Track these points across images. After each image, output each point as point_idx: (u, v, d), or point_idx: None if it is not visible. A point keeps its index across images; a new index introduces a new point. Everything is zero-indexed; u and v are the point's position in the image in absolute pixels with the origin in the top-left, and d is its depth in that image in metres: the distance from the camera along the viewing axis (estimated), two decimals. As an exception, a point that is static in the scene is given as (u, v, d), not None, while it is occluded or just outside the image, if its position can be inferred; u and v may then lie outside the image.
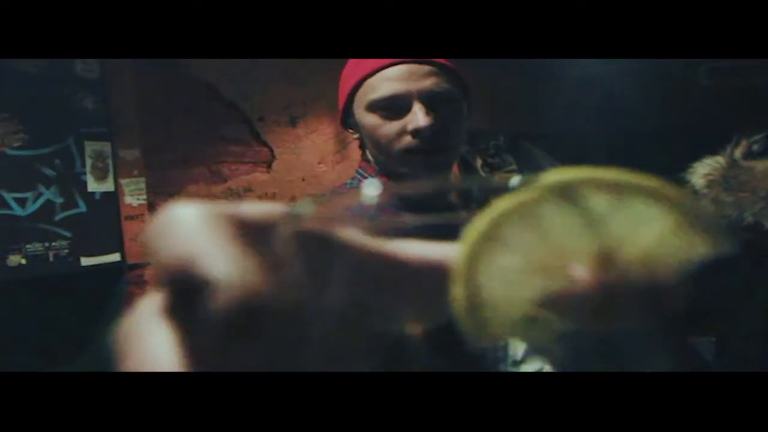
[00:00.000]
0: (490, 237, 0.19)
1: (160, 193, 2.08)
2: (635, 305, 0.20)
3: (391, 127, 0.89)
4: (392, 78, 0.89)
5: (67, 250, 1.87)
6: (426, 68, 0.89)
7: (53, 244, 1.85)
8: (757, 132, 1.36)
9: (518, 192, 0.20)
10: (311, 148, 2.53)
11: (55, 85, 1.89)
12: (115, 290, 1.96)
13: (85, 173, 1.94)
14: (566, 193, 0.19)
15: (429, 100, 0.88)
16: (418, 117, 0.87)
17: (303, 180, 2.49)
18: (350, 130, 0.99)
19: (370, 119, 0.91)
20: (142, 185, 2.04)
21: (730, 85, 3.39)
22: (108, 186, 1.98)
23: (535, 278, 0.20)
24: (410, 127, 0.88)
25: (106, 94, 1.99)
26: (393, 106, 0.89)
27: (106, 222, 1.95)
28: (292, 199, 2.44)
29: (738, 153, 1.35)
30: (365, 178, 0.95)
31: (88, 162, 1.95)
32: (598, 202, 0.19)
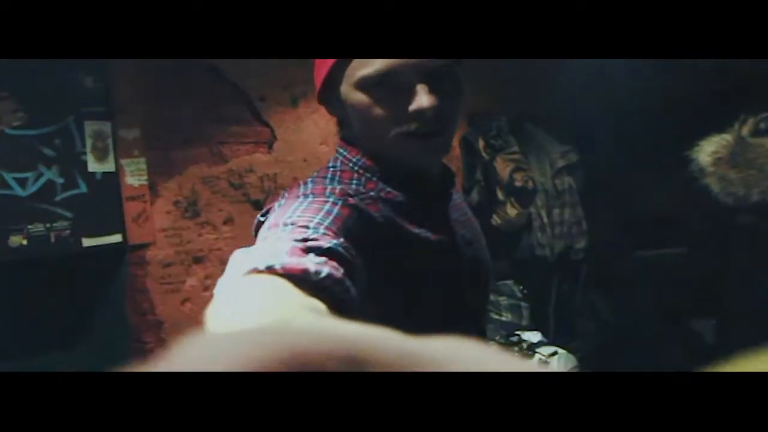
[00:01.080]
0: None
1: (161, 173, 2.08)
2: None
3: (387, 107, 0.78)
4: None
5: (68, 231, 1.87)
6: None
7: (54, 224, 1.85)
8: (763, 110, 1.34)
9: None
10: (313, 129, 2.52)
11: (52, 64, 1.88)
12: (116, 271, 1.97)
13: (85, 153, 1.94)
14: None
15: (431, 78, 0.77)
16: (422, 97, 0.76)
17: (304, 161, 2.48)
18: (328, 106, 0.88)
19: (360, 97, 0.78)
20: (143, 165, 2.04)
21: (727, 65, 3.35)
22: (109, 166, 1.98)
23: None
24: (412, 108, 0.76)
25: (106, 73, 1.98)
26: (390, 84, 0.77)
27: (107, 203, 1.95)
28: (294, 179, 2.44)
29: (745, 131, 1.34)
30: (349, 161, 0.85)
31: (89, 142, 1.95)
32: None
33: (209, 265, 2.17)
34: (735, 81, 3.36)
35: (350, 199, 0.75)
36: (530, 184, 2.80)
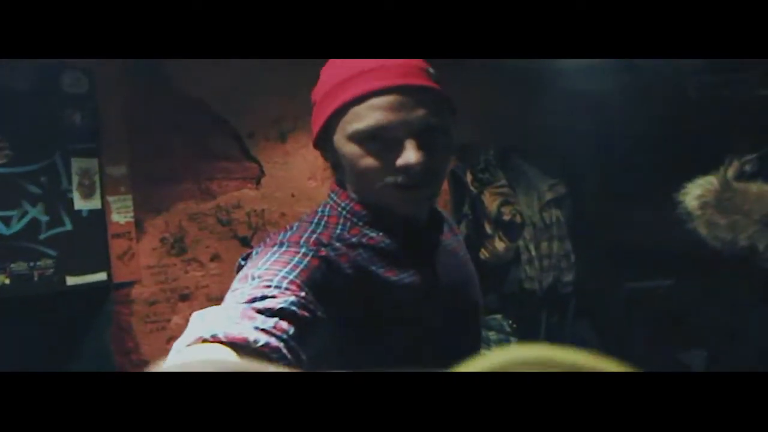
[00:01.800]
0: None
1: (148, 210, 2.07)
2: None
3: (377, 160, 0.81)
4: (380, 107, 0.79)
5: (52, 270, 1.84)
6: (417, 97, 0.81)
7: (38, 263, 1.83)
8: (747, 151, 1.36)
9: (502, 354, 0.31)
10: (301, 164, 2.53)
11: (43, 100, 1.88)
12: (101, 310, 1.94)
13: (71, 191, 1.92)
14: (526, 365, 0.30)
15: (420, 134, 0.80)
16: (409, 153, 0.79)
17: (293, 196, 2.48)
18: (323, 152, 0.91)
19: (351, 149, 0.82)
20: (130, 203, 2.03)
21: (718, 97, 3.43)
22: (95, 203, 1.97)
23: None
24: (400, 162, 0.80)
25: (95, 110, 1.99)
26: (380, 139, 0.80)
27: (92, 240, 1.93)
28: (282, 215, 2.43)
29: (731, 173, 1.35)
30: (338, 205, 0.88)
31: (75, 179, 1.94)
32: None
33: (195, 302, 2.14)
34: (723, 114, 3.44)
35: (322, 250, 0.79)
36: (518, 218, 2.82)
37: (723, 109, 3.41)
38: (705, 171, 1.42)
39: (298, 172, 2.51)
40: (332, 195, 0.91)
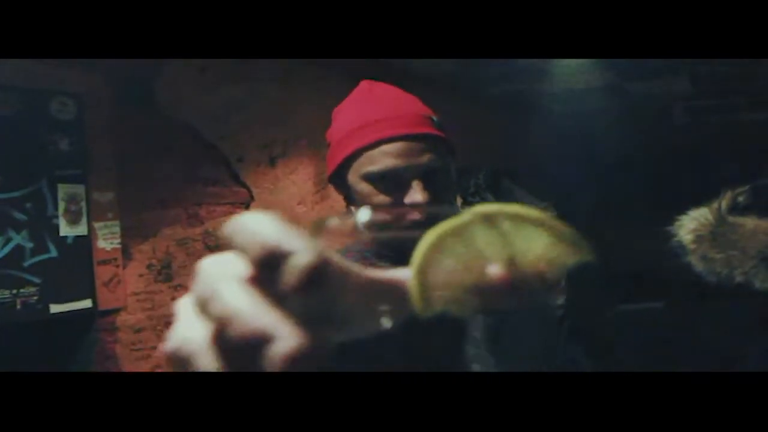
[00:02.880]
0: (436, 246, 0.31)
1: (135, 236, 2.04)
2: (529, 295, 0.32)
3: (387, 198, 0.91)
4: (391, 153, 0.91)
5: (36, 297, 1.80)
6: (423, 144, 0.93)
7: (21, 290, 1.79)
8: (737, 175, 1.34)
9: (457, 216, 0.31)
10: (290, 189, 2.51)
11: (29, 126, 1.86)
12: (85, 338, 1.89)
13: (57, 217, 1.89)
14: (486, 220, 0.31)
15: (425, 176, 0.92)
16: (416, 194, 0.90)
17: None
18: (337, 188, 1.01)
19: (364, 188, 0.93)
20: (117, 229, 2.00)
21: (706, 122, 3.48)
22: (81, 230, 1.94)
23: (464, 274, 0.31)
24: (407, 201, 0.91)
25: (82, 136, 1.97)
26: (390, 180, 0.91)
27: (77, 267, 1.89)
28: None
29: (724, 205, 1.32)
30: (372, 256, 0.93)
31: (61, 205, 1.91)
32: (506, 226, 0.31)
33: (183, 329, 2.10)
34: (711, 138, 3.48)
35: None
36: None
37: (710, 133, 3.46)
38: (695, 194, 1.40)
39: (287, 197, 2.49)
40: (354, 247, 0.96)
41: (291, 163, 2.53)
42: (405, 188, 0.90)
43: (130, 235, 2.02)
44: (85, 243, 1.93)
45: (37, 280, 1.81)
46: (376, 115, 0.95)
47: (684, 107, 3.52)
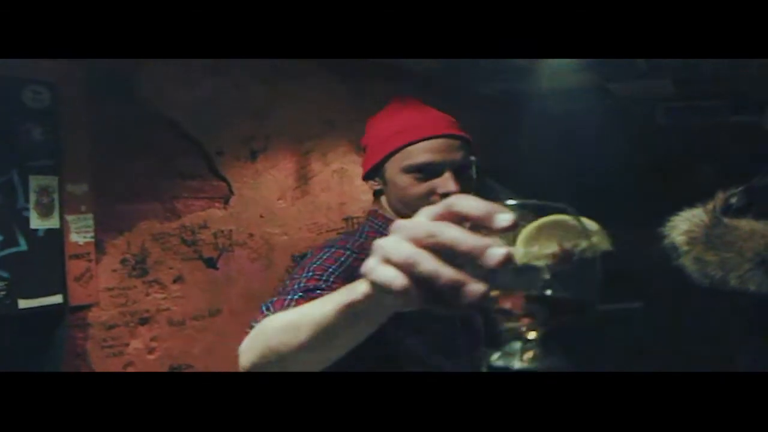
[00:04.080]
0: (528, 236, 0.51)
1: (109, 230, 1.98)
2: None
3: (422, 187, 1.10)
4: (431, 149, 1.11)
5: (4, 292, 1.74)
6: (457, 143, 1.14)
7: (-12, 284, 1.72)
8: (722, 178, 1.31)
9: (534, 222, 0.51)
10: (271, 184, 2.47)
11: (0, 115, 1.79)
12: (54, 334, 1.83)
13: (28, 209, 1.83)
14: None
15: (457, 170, 1.12)
16: (450, 183, 1.09)
17: (261, 216, 2.42)
18: (373, 181, 1.20)
19: (404, 179, 1.11)
20: (90, 222, 1.94)
21: (689, 124, 3.49)
22: (53, 223, 1.87)
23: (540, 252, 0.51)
24: (441, 190, 1.09)
25: (56, 126, 1.90)
26: (427, 171, 1.10)
27: (48, 261, 1.83)
28: (250, 236, 2.36)
29: (717, 207, 1.28)
30: (376, 224, 1.18)
31: (32, 197, 1.85)
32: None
33: (156, 326, 2.05)
34: (693, 140, 3.49)
35: (362, 254, 1.04)
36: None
37: (692, 135, 3.47)
38: (676, 195, 1.38)
39: (267, 192, 2.45)
40: (370, 218, 1.21)
41: (272, 158, 2.48)
42: (439, 179, 1.10)
43: (104, 229, 1.96)
44: (56, 236, 1.87)
45: (5, 275, 1.75)
46: (414, 120, 1.15)
47: (666, 108, 3.53)
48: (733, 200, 1.27)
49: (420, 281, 0.45)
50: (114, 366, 1.93)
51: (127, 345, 1.98)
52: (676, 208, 1.34)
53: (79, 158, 1.94)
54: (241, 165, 2.37)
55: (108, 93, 1.98)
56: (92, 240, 1.94)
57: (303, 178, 2.59)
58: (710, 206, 1.26)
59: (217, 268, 2.23)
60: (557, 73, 2.92)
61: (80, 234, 1.92)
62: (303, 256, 1.12)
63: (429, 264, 0.45)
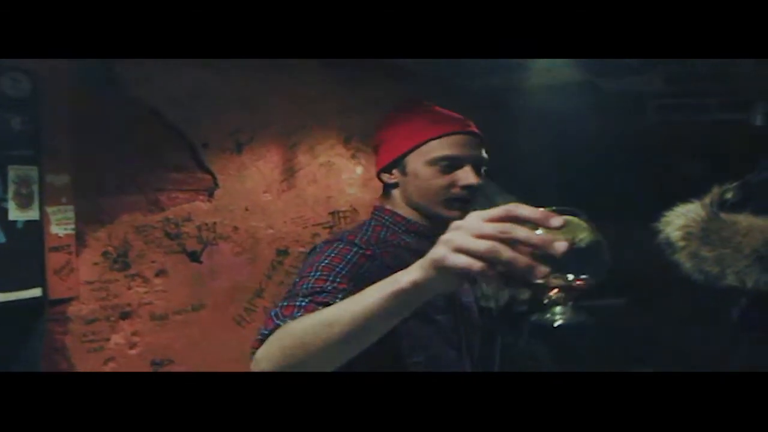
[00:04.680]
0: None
1: (90, 222, 1.95)
2: None
3: (445, 179, 1.22)
4: (455, 143, 1.22)
5: (-19, 285, 1.71)
6: (476, 140, 1.27)
7: (-36, 277, 1.69)
8: (710, 175, 1.30)
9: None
10: (257, 177, 2.45)
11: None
12: (32, 329, 1.80)
13: (6, 200, 1.79)
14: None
15: (476, 164, 1.25)
16: (471, 176, 1.22)
17: (246, 210, 2.39)
18: (389, 174, 1.28)
19: (427, 171, 1.22)
20: (71, 214, 1.91)
21: (678, 120, 3.50)
22: (32, 214, 1.84)
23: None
24: (462, 182, 1.22)
25: (36, 115, 1.86)
26: (450, 164, 1.22)
27: (27, 254, 1.80)
28: (234, 229, 2.34)
29: (713, 202, 1.27)
30: (382, 218, 1.27)
31: (11, 188, 1.81)
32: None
33: (137, 320, 2.02)
34: (682, 137, 3.51)
35: (369, 249, 1.16)
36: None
37: (682, 132, 3.48)
38: (665, 191, 1.37)
39: (253, 185, 2.43)
40: (377, 213, 1.30)
41: (258, 150, 2.46)
42: (461, 172, 1.21)
43: (86, 221, 1.93)
44: (36, 228, 1.83)
45: (-18, 267, 1.72)
46: (437, 117, 1.26)
47: (656, 106, 3.54)
48: (729, 195, 1.26)
49: (496, 265, 0.64)
50: (94, 361, 1.91)
51: (108, 340, 1.95)
52: (666, 204, 1.33)
53: (60, 148, 1.91)
54: (227, 157, 2.35)
55: (90, 82, 1.95)
56: (73, 232, 1.91)
57: (289, 171, 2.57)
58: (706, 201, 1.24)
59: (200, 262, 2.21)
60: (547, 69, 2.92)
61: (60, 226, 1.89)
62: (312, 251, 1.19)
63: (508, 252, 0.63)
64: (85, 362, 1.89)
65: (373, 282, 0.90)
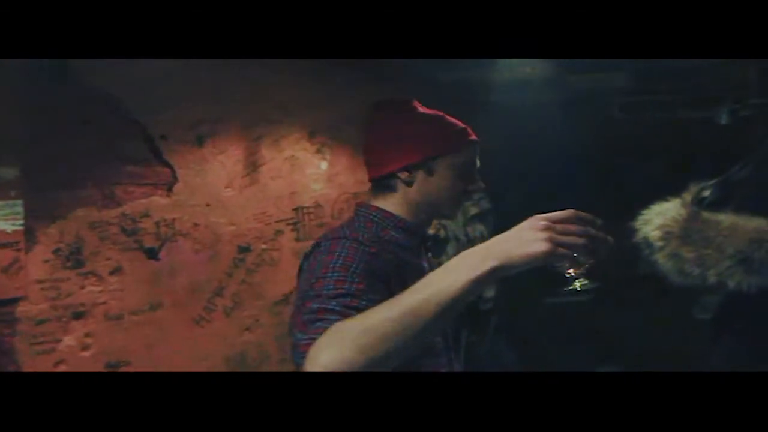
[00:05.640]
0: None
1: (41, 217, 1.89)
2: None
3: (461, 185, 1.35)
4: (473, 149, 1.37)
5: None
6: (478, 147, 1.41)
7: None
8: (669, 173, 1.30)
9: None
10: (219, 170, 2.40)
11: None
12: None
13: (-51, 194, 1.73)
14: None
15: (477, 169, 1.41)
16: (479, 182, 1.39)
17: (207, 205, 2.35)
18: (408, 173, 1.32)
19: (449, 175, 1.32)
20: (20, 209, 1.84)
21: (643, 118, 3.58)
22: (-23, 209, 1.78)
23: None
24: (474, 187, 1.39)
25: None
26: (470, 169, 1.36)
27: (-29, 251, 1.73)
28: (194, 225, 2.30)
29: (691, 200, 1.22)
30: (370, 214, 1.32)
31: (-45, 181, 1.74)
32: None
33: (91, 321, 1.97)
34: (647, 134, 3.58)
35: (372, 247, 1.19)
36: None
37: (647, 130, 3.56)
38: (629, 189, 1.38)
39: (214, 180, 2.39)
40: (362, 209, 1.35)
41: (220, 143, 2.42)
42: (468, 177, 1.35)
43: (36, 217, 1.87)
44: (-19, 224, 1.77)
45: None
46: (455, 121, 1.37)
47: (622, 103, 3.61)
48: (706, 193, 1.23)
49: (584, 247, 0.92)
50: (44, 364, 1.85)
51: (59, 341, 1.89)
52: (631, 201, 1.34)
53: (8, 139, 1.83)
54: (187, 150, 2.30)
55: (43, 71, 1.88)
56: (22, 228, 1.84)
57: (252, 166, 2.53)
58: (686, 199, 1.21)
59: (158, 260, 2.16)
60: (516, 64, 2.94)
61: (8, 222, 1.82)
62: (315, 249, 1.21)
63: (601, 235, 0.93)
64: (34, 365, 1.83)
65: (383, 279, 1.14)
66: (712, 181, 1.25)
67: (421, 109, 1.39)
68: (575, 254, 0.92)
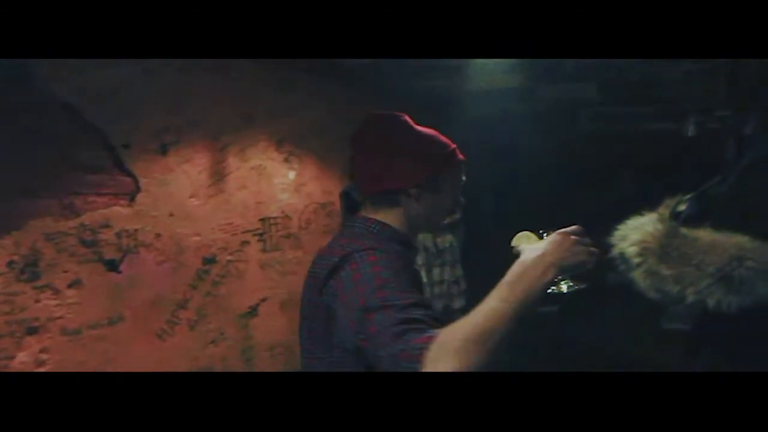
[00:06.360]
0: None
1: (-6, 228, 1.84)
2: None
3: (453, 200, 1.40)
4: (462, 169, 1.40)
5: None
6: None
7: None
8: (659, 189, 1.28)
9: None
10: (183, 180, 2.37)
11: None
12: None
13: None
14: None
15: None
16: (461, 198, 1.43)
17: (171, 215, 2.32)
18: (416, 189, 1.32)
19: (450, 188, 1.36)
20: (-28, 219, 1.79)
21: (609, 130, 3.64)
22: (-74, 219, 1.72)
23: None
24: (462, 201, 1.43)
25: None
26: (456, 186, 1.39)
27: None
28: (157, 236, 2.26)
29: (666, 215, 1.20)
30: (367, 225, 1.33)
31: None
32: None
33: (46, 336, 1.92)
34: (617, 145, 3.65)
35: (394, 254, 1.23)
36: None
37: (614, 141, 3.63)
38: (599, 198, 1.41)
39: (178, 189, 2.35)
40: (359, 221, 1.35)
41: (185, 152, 2.39)
42: (455, 192, 1.39)
43: (-11, 227, 1.82)
44: (-70, 235, 1.71)
45: None
46: (450, 144, 1.39)
47: (590, 113, 3.68)
48: (682, 207, 1.21)
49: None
50: (-4, 381, 1.79)
51: (12, 358, 1.84)
52: (597, 211, 1.36)
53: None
54: (150, 159, 2.27)
55: (0, 75, 1.84)
56: (-26, 239, 1.79)
57: (218, 175, 2.51)
58: (663, 213, 1.19)
59: (119, 272, 2.12)
60: (486, 73, 2.98)
61: (-41, 233, 1.77)
62: (347, 261, 1.18)
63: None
64: (-14, 383, 1.77)
65: (419, 287, 1.25)
66: (688, 195, 1.23)
67: (416, 125, 1.40)
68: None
